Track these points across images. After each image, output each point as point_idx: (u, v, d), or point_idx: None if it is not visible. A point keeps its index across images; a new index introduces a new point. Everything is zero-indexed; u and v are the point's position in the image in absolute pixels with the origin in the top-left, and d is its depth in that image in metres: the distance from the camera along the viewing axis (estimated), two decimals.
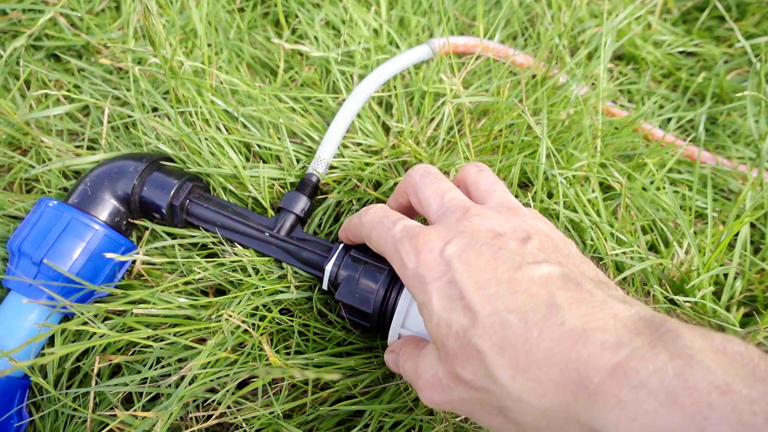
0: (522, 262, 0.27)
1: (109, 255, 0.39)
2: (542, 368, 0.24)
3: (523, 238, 0.29)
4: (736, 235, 0.46)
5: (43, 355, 0.41)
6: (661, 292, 0.42)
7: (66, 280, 0.39)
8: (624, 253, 0.43)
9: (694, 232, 0.46)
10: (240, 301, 0.40)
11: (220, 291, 0.44)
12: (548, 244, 0.29)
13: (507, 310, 0.25)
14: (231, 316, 0.38)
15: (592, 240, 0.44)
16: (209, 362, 0.38)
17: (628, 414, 0.21)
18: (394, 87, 0.52)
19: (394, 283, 0.36)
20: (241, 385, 0.41)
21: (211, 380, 0.38)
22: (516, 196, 0.37)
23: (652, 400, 0.21)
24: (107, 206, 0.41)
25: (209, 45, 0.51)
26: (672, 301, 0.42)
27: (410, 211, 0.38)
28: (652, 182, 0.49)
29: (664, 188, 0.47)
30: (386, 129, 0.52)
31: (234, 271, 0.42)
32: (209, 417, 0.39)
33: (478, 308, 0.26)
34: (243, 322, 0.39)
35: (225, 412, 0.38)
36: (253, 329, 0.39)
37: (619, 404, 0.21)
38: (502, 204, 0.33)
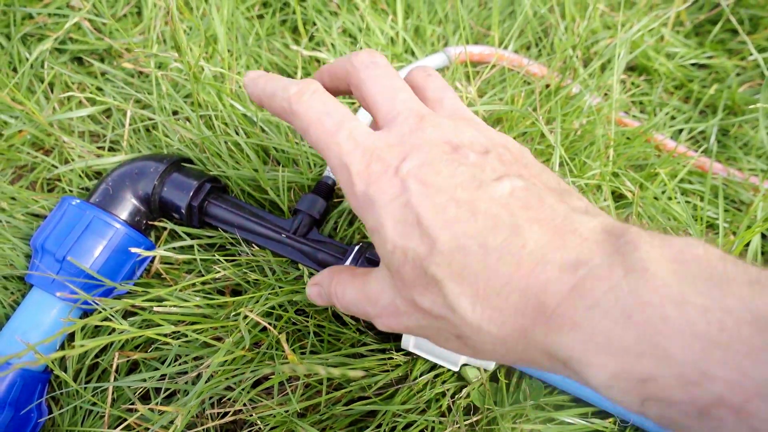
0: (483, 180, 0.25)
1: (134, 250, 0.40)
2: (501, 296, 0.23)
3: (480, 152, 0.26)
4: (747, 245, 0.46)
5: (63, 349, 0.41)
6: None
7: (88, 277, 0.39)
8: None
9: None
10: (257, 301, 0.41)
11: (235, 291, 0.45)
12: (507, 156, 0.27)
13: (466, 235, 0.23)
14: (249, 314, 0.39)
15: None
16: (226, 360, 0.39)
17: (583, 336, 0.20)
18: None
19: None
20: (256, 384, 0.41)
21: (227, 378, 0.39)
22: None
23: (607, 320, 0.20)
24: (128, 205, 0.42)
25: (229, 51, 0.52)
26: None
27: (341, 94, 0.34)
28: (663, 192, 0.50)
29: (675, 198, 0.47)
30: None
31: (252, 271, 0.42)
32: (225, 414, 0.39)
33: (436, 234, 0.24)
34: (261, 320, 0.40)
35: (241, 410, 0.39)
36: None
37: (575, 327, 0.20)
38: (455, 113, 0.30)
